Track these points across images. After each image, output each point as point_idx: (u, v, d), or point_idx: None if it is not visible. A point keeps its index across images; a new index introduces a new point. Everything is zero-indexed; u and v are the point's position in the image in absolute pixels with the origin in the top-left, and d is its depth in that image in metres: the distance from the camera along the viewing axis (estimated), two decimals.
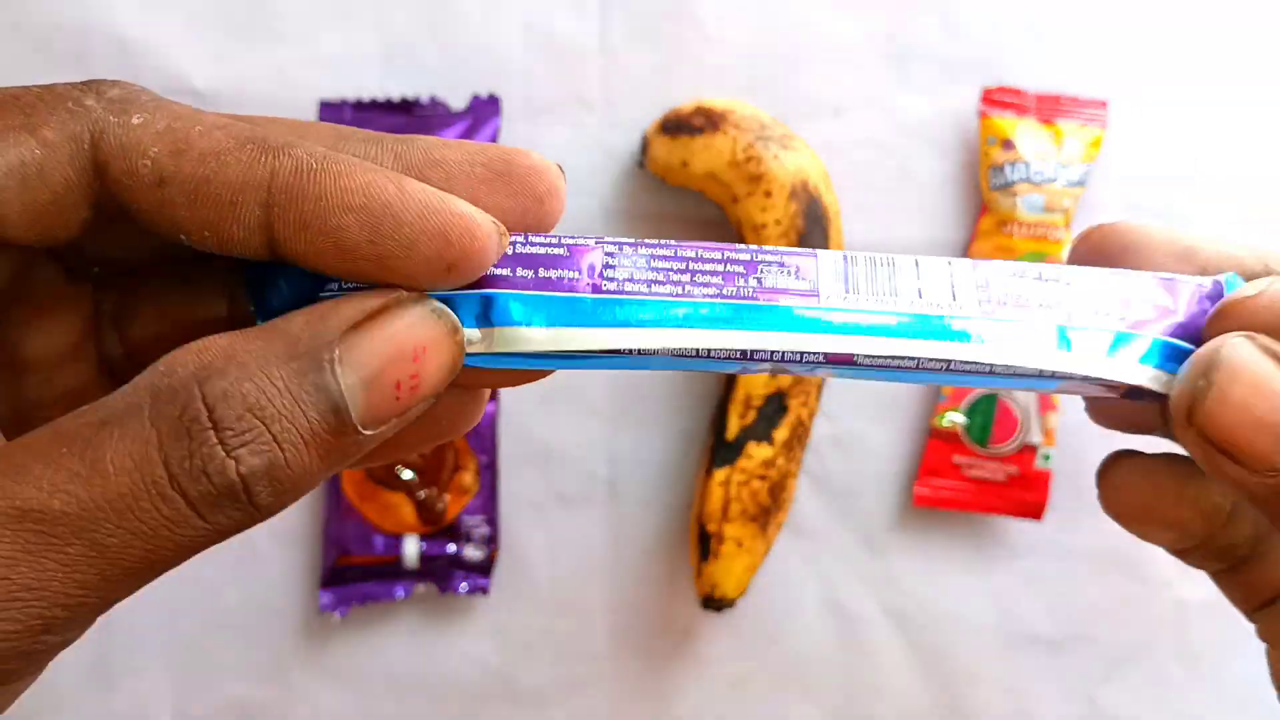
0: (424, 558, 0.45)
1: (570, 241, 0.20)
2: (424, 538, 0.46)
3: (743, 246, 0.21)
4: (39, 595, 0.15)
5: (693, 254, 0.21)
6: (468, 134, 0.45)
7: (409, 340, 0.17)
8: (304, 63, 0.46)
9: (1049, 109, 0.46)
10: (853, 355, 0.20)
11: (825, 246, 0.43)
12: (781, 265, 0.21)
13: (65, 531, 0.15)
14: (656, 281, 0.20)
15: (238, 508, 0.16)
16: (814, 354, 0.20)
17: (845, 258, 0.21)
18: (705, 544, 0.44)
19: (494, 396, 0.46)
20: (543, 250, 0.20)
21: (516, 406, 0.47)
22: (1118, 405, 0.24)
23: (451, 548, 0.46)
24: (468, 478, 0.46)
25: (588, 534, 0.47)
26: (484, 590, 0.46)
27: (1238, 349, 0.19)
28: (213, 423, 0.16)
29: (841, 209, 0.45)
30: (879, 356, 0.20)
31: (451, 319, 0.18)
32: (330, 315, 0.17)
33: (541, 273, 0.20)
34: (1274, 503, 0.19)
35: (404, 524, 0.45)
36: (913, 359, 0.20)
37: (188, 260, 0.20)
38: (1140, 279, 0.21)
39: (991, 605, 0.48)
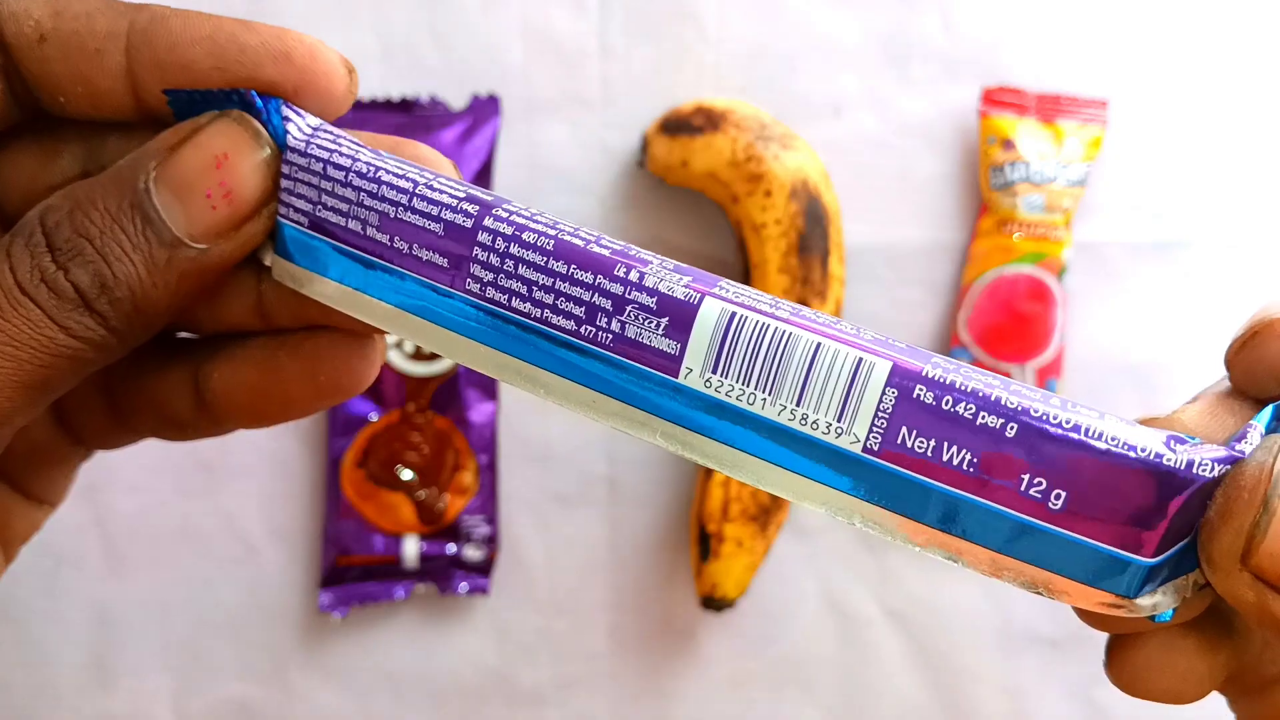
0: (424, 558, 0.45)
1: (456, 214, 0.19)
2: (424, 538, 0.46)
3: (625, 269, 0.18)
4: None
5: (564, 269, 0.18)
6: (468, 133, 0.45)
7: (209, 148, 0.19)
8: None
9: (1049, 109, 0.46)
10: (692, 450, 0.17)
11: (825, 246, 0.43)
12: (651, 314, 0.17)
13: None
14: (518, 295, 0.18)
15: (84, 314, 0.18)
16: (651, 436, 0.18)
17: (731, 319, 0.17)
18: (705, 544, 0.44)
19: (494, 396, 0.46)
20: (427, 225, 0.19)
21: (516, 406, 0.47)
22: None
23: (451, 548, 0.46)
24: (468, 478, 0.46)
25: (587, 534, 0.47)
26: (484, 590, 0.46)
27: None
28: (48, 245, 0.18)
29: (841, 209, 0.45)
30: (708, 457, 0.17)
31: (251, 124, 0.19)
32: (149, 146, 0.19)
33: (416, 249, 0.19)
34: None
35: (404, 524, 0.45)
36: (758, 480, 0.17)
37: (45, 129, 0.21)
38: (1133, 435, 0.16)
39: (991, 605, 0.48)
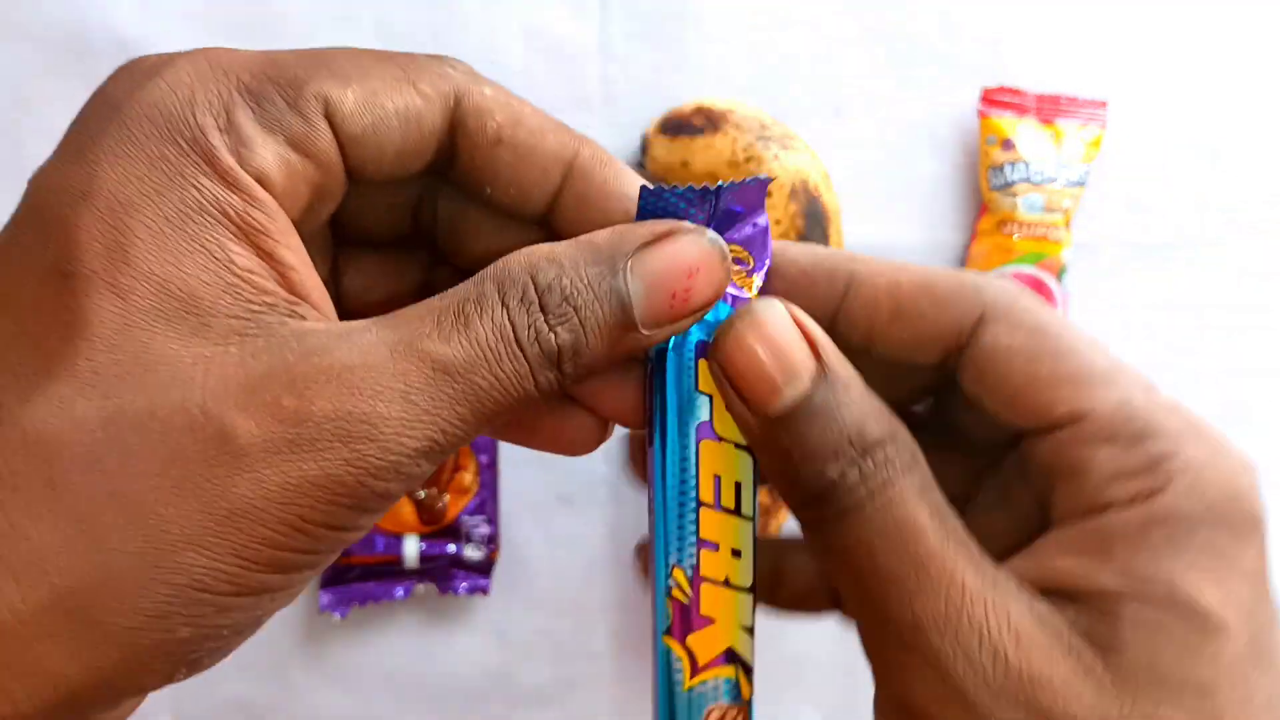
0: (424, 558, 0.45)
1: None
2: (424, 538, 0.46)
3: None
4: (433, 419, 0.19)
5: None
6: None
7: (686, 259, 0.21)
8: None
9: (1049, 109, 0.46)
10: None
11: (825, 246, 0.43)
12: None
13: (457, 374, 0.19)
14: None
15: (553, 373, 0.20)
16: None
17: None
18: None
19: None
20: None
21: None
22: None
23: (451, 548, 0.46)
24: (468, 478, 0.46)
25: (588, 534, 0.47)
26: (484, 590, 0.46)
27: (770, 305, 0.22)
28: (541, 304, 0.20)
29: (841, 209, 0.45)
30: None
31: (722, 247, 0.22)
32: (629, 233, 0.21)
33: None
34: (762, 450, 0.22)
35: (404, 524, 0.45)
36: None
37: (395, 245, 0.25)
38: None
39: None
